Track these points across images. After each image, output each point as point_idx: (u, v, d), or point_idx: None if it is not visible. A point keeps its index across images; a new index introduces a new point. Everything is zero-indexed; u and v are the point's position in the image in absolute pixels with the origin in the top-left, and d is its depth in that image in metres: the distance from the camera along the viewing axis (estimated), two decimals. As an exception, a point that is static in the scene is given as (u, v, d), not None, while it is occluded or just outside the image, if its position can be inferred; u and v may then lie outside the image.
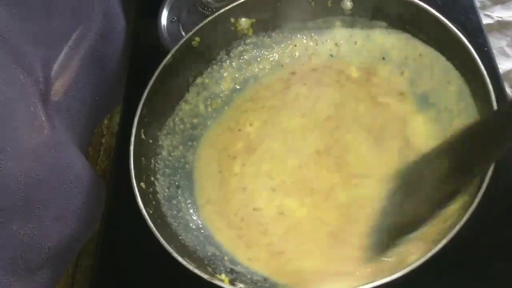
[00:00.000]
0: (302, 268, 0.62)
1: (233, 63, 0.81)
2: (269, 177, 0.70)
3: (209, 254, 0.64)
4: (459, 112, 0.66)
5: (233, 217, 0.68)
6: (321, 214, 0.66)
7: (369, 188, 0.66)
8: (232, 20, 0.77)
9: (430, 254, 0.51)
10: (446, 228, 0.56)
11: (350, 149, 0.70)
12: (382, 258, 0.59)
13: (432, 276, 0.59)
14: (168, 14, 0.91)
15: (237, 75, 0.81)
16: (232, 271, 0.62)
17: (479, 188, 0.54)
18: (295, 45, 0.80)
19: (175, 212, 0.67)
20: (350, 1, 0.75)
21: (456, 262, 0.61)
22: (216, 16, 0.75)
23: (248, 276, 0.62)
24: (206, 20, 0.75)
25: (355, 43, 0.77)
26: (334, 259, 0.62)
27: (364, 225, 0.62)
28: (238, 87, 0.80)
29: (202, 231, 0.68)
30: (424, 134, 0.68)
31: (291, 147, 0.72)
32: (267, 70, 0.81)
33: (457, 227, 0.52)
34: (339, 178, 0.68)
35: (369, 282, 0.51)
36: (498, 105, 0.58)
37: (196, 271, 0.55)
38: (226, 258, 0.64)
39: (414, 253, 0.57)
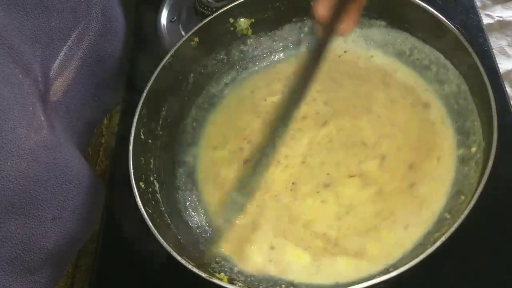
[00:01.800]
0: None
1: (233, 63, 0.81)
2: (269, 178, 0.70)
3: (208, 253, 0.64)
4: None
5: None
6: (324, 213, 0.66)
7: None
8: (232, 20, 0.77)
9: (429, 251, 0.51)
10: (445, 225, 0.57)
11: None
12: None
13: (431, 275, 0.59)
14: (168, 13, 0.91)
15: (236, 75, 0.81)
16: (231, 270, 0.62)
17: (477, 185, 0.54)
18: (295, 45, 0.81)
19: (174, 212, 0.68)
20: (349, 1, 0.75)
21: (455, 261, 0.61)
22: (215, 16, 0.75)
23: (248, 275, 0.62)
24: (205, 20, 0.75)
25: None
26: None
27: None
28: (237, 86, 0.80)
29: (200, 230, 0.68)
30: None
31: (292, 144, 0.72)
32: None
33: (456, 225, 0.52)
34: None
35: (368, 280, 0.52)
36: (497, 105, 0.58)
37: (195, 270, 0.55)
38: (225, 257, 0.65)
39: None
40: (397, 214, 0.63)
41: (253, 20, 0.78)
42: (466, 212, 0.52)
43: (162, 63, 0.72)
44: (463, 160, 0.63)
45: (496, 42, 0.93)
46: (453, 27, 0.65)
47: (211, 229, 0.68)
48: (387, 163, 0.67)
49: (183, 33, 0.88)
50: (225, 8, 0.76)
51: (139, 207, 0.61)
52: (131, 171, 0.64)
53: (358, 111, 0.72)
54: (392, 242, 0.61)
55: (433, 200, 0.63)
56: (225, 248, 0.66)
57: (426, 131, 0.68)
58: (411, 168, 0.65)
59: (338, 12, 0.51)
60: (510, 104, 0.71)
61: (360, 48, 0.78)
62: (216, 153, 0.75)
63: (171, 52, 0.72)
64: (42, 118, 0.59)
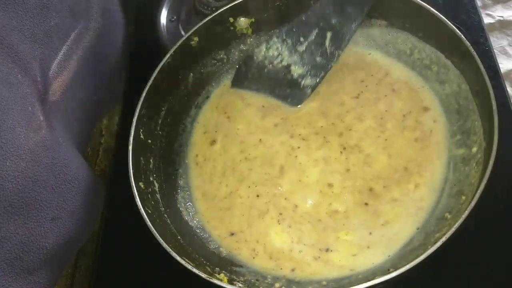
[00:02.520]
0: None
1: (233, 63, 0.80)
2: (267, 178, 0.70)
3: (207, 253, 0.64)
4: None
5: (229, 217, 0.68)
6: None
7: None
8: (231, 19, 0.77)
9: (429, 251, 0.51)
10: (445, 225, 0.56)
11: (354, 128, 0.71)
12: None
13: (431, 275, 0.59)
14: (168, 13, 0.91)
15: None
16: (230, 270, 0.62)
17: (478, 186, 0.54)
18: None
19: (174, 212, 0.67)
20: (349, 0, 0.75)
21: (455, 261, 0.61)
22: (215, 16, 0.75)
23: (247, 275, 0.62)
24: (205, 20, 0.75)
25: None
26: None
27: None
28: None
29: (200, 230, 0.68)
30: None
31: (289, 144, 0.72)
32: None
33: (456, 225, 0.52)
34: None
35: (368, 281, 0.51)
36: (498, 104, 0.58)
37: (195, 270, 0.55)
38: (224, 257, 0.65)
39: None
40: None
41: (253, 19, 0.78)
42: (466, 212, 0.52)
43: (162, 63, 0.71)
44: (463, 160, 0.63)
45: (497, 42, 0.92)
46: (454, 26, 0.65)
47: (210, 229, 0.68)
48: (349, 178, 0.67)
49: (183, 32, 0.88)
50: (225, 8, 0.75)
51: (139, 207, 0.61)
52: (131, 171, 0.64)
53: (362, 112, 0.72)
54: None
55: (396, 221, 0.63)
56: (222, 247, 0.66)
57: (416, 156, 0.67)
58: (370, 191, 0.65)
59: None
60: (511, 103, 0.71)
61: (360, 47, 0.77)
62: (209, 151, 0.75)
63: (171, 52, 0.72)
64: (41, 118, 0.59)
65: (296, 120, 0.73)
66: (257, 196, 0.68)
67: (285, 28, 0.75)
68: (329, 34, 0.72)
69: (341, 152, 0.68)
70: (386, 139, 0.68)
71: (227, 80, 0.80)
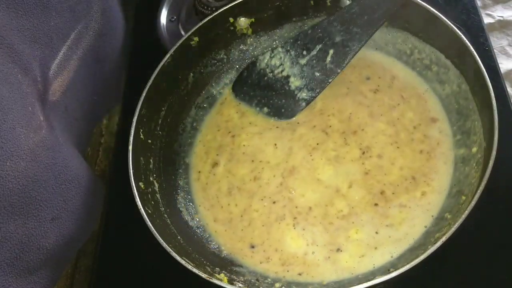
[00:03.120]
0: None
1: (233, 63, 0.80)
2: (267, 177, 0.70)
3: (207, 253, 0.64)
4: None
5: (229, 217, 0.68)
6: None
7: None
8: (231, 19, 0.77)
9: (429, 251, 0.51)
10: (445, 225, 0.56)
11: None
12: None
13: (431, 275, 0.59)
14: (168, 13, 0.91)
15: (236, 75, 0.80)
16: (230, 270, 0.62)
17: (478, 186, 0.53)
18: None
19: (174, 212, 0.67)
20: (349, 0, 0.75)
21: (455, 261, 0.61)
22: (214, 16, 0.75)
23: (247, 275, 0.62)
24: (205, 20, 0.74)
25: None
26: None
27: None
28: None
29: (200, 230, 0.68)
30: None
31: (286, 145, 0.72)
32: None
33: (456, 225, 0.52)
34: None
35: (368, 281, 0.51)
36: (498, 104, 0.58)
37: (195, 270, 0.55)
38: (224, 257, 0.65)
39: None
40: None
41: (253, 19, 0.78)
42: (466, 212, 0.52)
43: (162, 63, 0.71)
44: (463, 160, 0.63)
45: (497, 42, 0.93)
46: (454, 26, 0.65)
47: (210, 229, 0.68)
48: (363, 180, 0.67)
49: (182, 32, 0.88)
50: (225, 8, 0.75)
51: (139, 207, 0.60)
52: (131, 171, 0.63)
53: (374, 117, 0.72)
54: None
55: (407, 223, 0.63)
56: (224, 246, 0.66)
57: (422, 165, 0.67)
58: (381, 194, 0.66)
59: None
60: (511, 103, 0.71)
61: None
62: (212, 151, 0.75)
63: (171, 52, 0.72)
64: (41, 118, 0.59)
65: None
66: (274, 202, 0.68)
67: (291, 40, 0.75)
68: (331, 51, 0.72)
69: (360, 156, 0.68)
70: (398, 147, 0.68)
71: (227, 80, 0.80)
